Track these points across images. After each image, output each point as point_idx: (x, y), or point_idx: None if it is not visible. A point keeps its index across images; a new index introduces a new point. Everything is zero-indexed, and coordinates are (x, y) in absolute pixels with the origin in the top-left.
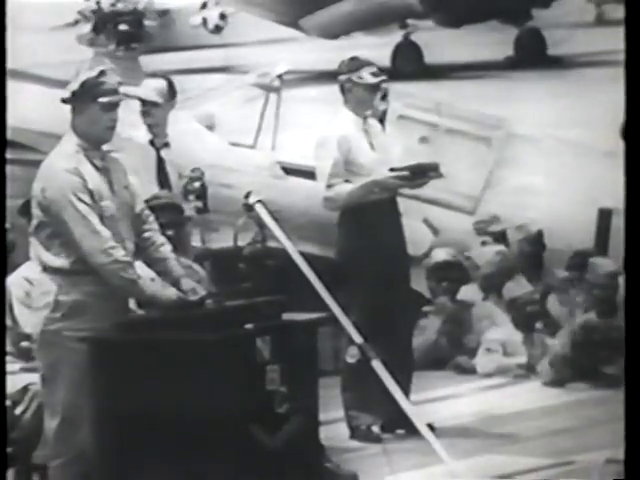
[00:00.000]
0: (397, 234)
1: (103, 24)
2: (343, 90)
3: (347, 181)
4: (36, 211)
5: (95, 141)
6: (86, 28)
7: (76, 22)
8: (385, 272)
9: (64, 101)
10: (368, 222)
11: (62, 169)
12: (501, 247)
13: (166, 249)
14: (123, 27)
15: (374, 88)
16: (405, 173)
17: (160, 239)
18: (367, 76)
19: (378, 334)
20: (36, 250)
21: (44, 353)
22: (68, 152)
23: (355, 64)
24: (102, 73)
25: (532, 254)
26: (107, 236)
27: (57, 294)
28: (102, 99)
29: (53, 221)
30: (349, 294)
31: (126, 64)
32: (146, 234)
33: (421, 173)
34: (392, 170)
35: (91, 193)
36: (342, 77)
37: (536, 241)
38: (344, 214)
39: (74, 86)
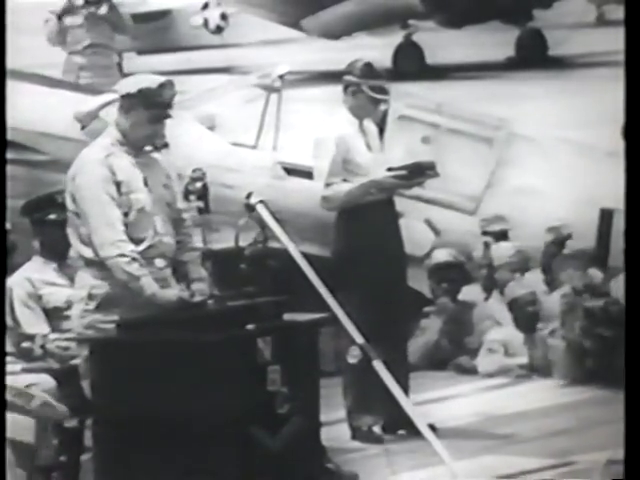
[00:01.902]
0: (394, 234)
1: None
2: (345, 90)
3: (345, 181)
4: (68, 201)
5: (133, 143)
6: (53, 25)
7: (46, 22)
8: (382, 272)
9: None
10: (365, 223)
11: (92, 159)
12: (517, 243)
13: (193, 254)
14: None
15: (378, 102)
16: (403, 172)
17: (191, 243)
18: (376, 92)
19: (374, 334)
20: (74, 242)
21: (81, 347)
22: (104, 144)
23: (368, 72)
24: (162, 86)
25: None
26: (119, 229)
27: (92, 287)
28: (153, 111)
29: (79, 211)
30: (345, 294)
31: (99, 61)
32: (180, 236)
33: (419, 172)
34: (390, 170)
35: (118, 185)
36: (350, 78)
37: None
38: (341, 214)
39: (130, 89)
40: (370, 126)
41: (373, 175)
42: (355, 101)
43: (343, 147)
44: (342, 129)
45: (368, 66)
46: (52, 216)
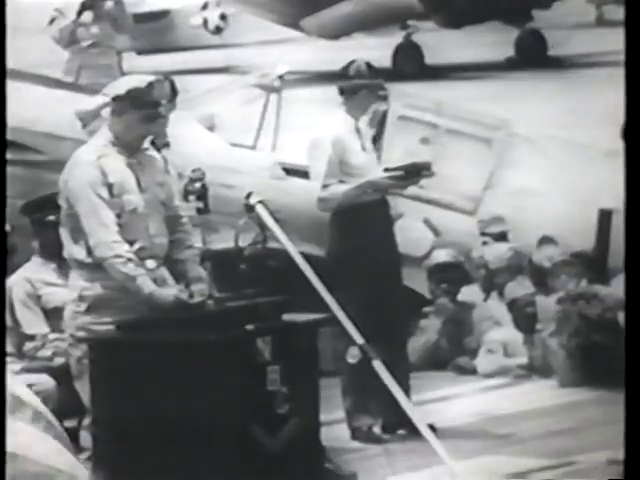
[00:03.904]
0: (388, 234)
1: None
2: (341, 91)
3: (341, 182)
4: (62, 202)
5: (126, 145)
6: (63, 23)
7: (52, 20)
8: (376, 272)
9: (113, 99)
10: (359, 223)
11: (84, 161)
12: (515, 244)
13: (190, 252)
14: None
15: (375, 101)
16: (399, 173)
17: (189, 241)
18: (373, 91)
19: (371, 335)
20: (66, 244)
21: (73, 348)
22: (96, 145)
23: (364, 72)
24: (151, 85)
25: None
26: (113, 230)
27: (82, 289)
28: (144, 111)
29: (72, 212)
30: (340, 294)
31: (101, 61)
32: (177, 235)
33: (415, 172)
34: (386, 170)
35: (110, 187)
36: (346, 81)
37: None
38: (335, 214)
39: (119, 90)
40: (364, 127)
41: (368, 176)
42: (351, 102)
43: (339, 148)
44: (338, 130)
45: (364, 66)
46: (51, 217)
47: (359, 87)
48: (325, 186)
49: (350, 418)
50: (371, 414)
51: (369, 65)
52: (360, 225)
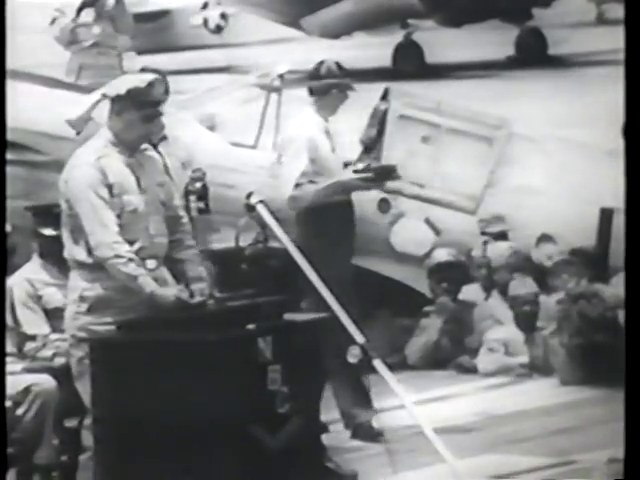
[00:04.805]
0: (350, 234)
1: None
2: (312, 92)
3: (311, 182)
4: (62, 203)
5: (126, 145)
6: (64, 23)
7: (53, 20)
8: (334, 271)
9: (104, 95)
10: (324, 222)
11: (84, 162)
12: (515, 244)
13: (191, 252)
14: None
15: (345, 97)
16: (369, 175)
17: (189, 242)
18: (342, 90)
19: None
20: (67, 244)
21: (74, 349)
22: (96, 146)
23: (334, 71)
24: (150, 85)
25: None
26: (114, 230)
27: (83, 289)
28: (144, 111)
29: (73, 213)
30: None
31: (103, 61)
32: (177, 235)
33: (384, 174)
34: (356, 172)
35: (110, 187)
36: (327, 82)
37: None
38: (300, 214)
39: (119, 90)
40: (334, 127)
41: (336, 176)
42: (321, 102)
43: (312, 148)
44: (310, 130)
45: (334, 66)
46: (52, 232)
47: (330, 87)
48: (297, 185)
49: (348, 417)
50: (368, 410)
51: (339, 65)
52: (325, 224)
